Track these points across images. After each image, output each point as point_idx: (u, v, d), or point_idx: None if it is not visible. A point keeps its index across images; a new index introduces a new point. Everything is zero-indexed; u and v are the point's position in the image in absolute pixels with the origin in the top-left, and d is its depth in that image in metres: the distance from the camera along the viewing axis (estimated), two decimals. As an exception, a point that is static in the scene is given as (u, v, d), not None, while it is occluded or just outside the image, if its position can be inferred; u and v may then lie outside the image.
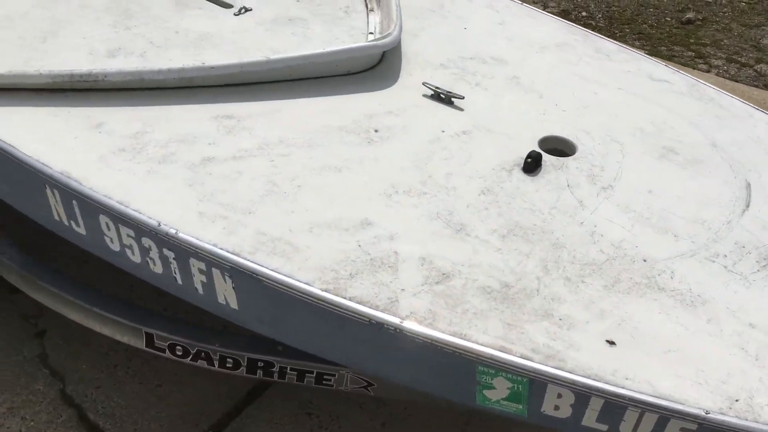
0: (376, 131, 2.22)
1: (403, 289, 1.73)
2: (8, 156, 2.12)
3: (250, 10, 2.79)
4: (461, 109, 2.35)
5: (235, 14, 2.76)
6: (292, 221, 1.91)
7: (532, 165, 2.07)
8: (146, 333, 2.43)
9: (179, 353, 2.33)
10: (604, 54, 2.78)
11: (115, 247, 2.06)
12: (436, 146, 2.18)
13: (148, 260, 2.00)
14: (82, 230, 2.13)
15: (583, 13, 6.57)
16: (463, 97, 2.33)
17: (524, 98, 2.44)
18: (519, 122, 2.30)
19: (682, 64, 5.46)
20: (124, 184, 2.01)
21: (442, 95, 2.37)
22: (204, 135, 2.18)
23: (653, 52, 5.70)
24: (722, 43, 6.06)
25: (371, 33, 2.72)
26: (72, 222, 2.13)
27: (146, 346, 2.39)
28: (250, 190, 2.00)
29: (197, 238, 1.85)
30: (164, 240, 1.90)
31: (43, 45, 2.52)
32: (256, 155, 2.12)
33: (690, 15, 6.42)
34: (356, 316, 1.68)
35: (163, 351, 2.36)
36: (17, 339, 3.09)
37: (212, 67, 2.32)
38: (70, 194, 2.04)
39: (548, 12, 3.43)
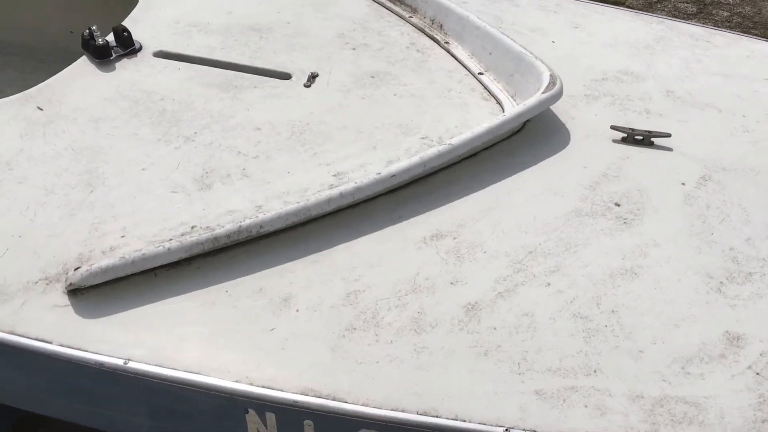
0: (617, 205, 1.77)
1: None
2: (190, 388, 1.39)
3: (317, 75, 2.13)
4: (669, 149, 1.96)
5: (306, 85, 2.10)
6: (652, 366, 1.44)
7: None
8: None
9: None
10: (702, 40, 2.52)
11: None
12: (698, 206, 1.78)
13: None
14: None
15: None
16: (670, 135, 1.94)
17: (706, 116, 2.11)
18: (742, 151, 1.96)
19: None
20: (406, 380, 1.40)
21: (638, 137, 1.96)
22: (433, 273, 1.60)
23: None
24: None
25: (481, 73, 2.20)
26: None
27: None
28: (562, 337, 1.49)
29: (568, 434, 1.32)
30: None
31: (97, 195, 1.72)
32: (522, 282, 1.58)
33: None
34: None
35: None
36: None
37: (393, 176, 1.70)
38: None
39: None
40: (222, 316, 1.49)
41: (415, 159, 1.72)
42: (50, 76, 2.04)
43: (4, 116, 1.90)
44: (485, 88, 2.14)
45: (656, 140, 1.96)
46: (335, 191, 1.64)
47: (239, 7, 2.47)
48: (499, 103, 2.07)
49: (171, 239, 1.54)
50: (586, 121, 2.04)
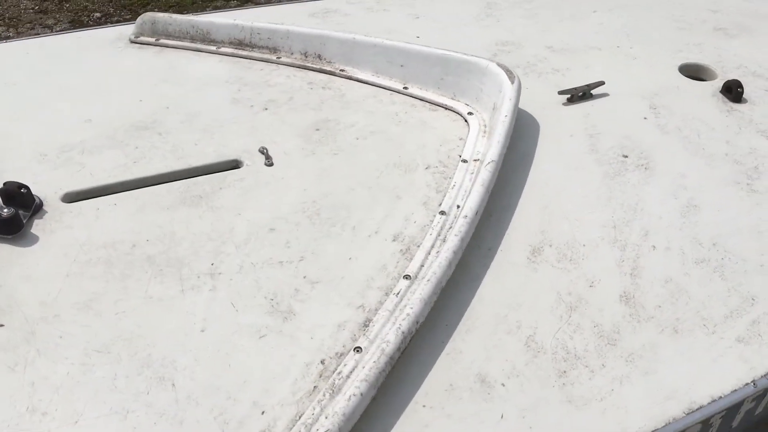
0: (626, 156, 1.92)
1: None
2: None
3: (266, 148, 1.91)
4: (607, 95, 2.16)
5: (267, 164, 1.87)
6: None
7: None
8: None
9: None
10: (519, -4, 2.76)
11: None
12: (673, 131, 2.02)
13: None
14: None
15: None
16: (604, 82, 2.14)
17: (596, 57, 2.35)
18: (650, 75, 2.24)
19: None
20: (647, 392, 1.40)
21: (581, 93, 2.13)
22: (568, 285, 1.58)
23: None
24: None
25: (406, 87, 2.17)
26: None
27: None
28: (706, 285, 1.60)
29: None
30: None
31: (185, 385, 1.35)
32: (636, 256, 1.65)
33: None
34: None
35: None
36: None
37: (476, 213, 1.62)
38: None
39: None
40: (440, 428, 1.30)
41: (478, 189, 1.65)
42: None
43: (-41, 355, 1.37)
44: (422, 100, 2.10)
45: (594, 91, 2.13)
46: (449, 253, 1.51)
47: (91, 110, 2.05)
48: (448, 108, 2.06)
49: (351, 386, 1.29)
50: (526, 96, 2.12)
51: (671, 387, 1.37)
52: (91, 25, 5.69)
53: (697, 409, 1.34)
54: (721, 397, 1.37)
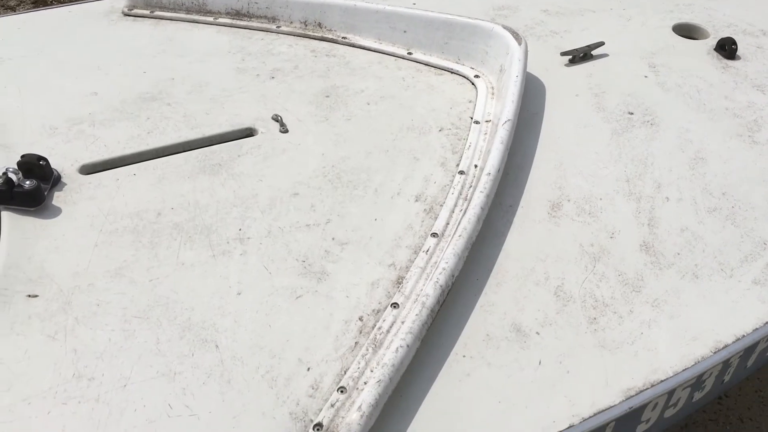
0: (631, 114, 1.97)
1: None
2: None
3: (280, 116, 1.92)
4: (607, 55, 2.20)
5: (282, 131, 1.88)
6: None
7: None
8: None
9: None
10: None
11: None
12: (673, 88, 2.07)
13: None
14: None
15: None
16: (604, 43, 2.18)
17: (594, 19, 2.39)
18: (647, 34, 2.29)
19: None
20: (675, 334, 1.45)
21: (582, 54, 2.17)
22: (590, 237, 1.63)
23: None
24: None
25: (410, 53, 2.18)
26: None
27: None
28: (719, 232, 1.66)
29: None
30: None
31: (227, 344, 1.37)
32: (651, 207, 1.71)
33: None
34: None
35: None
36: None
37: (498, 170, 1.65)
38: None
39: None
40: (482, 376, 1.34)
41: (498, 147, 1.68)
42: None
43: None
44: (427, 64, 2.12)
45: (594, 52, 2.17)
46: (477, 209, 1.54)
47: (94, 83, 2.03)
48: (454, 72, 2.08)
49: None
50: (529, 58, 2.14)
51: (696, 328, 1.43)
52: (55, 5, 5.56)
53: (723, 348, 1.40)
54: (744, 336, 1.43)
